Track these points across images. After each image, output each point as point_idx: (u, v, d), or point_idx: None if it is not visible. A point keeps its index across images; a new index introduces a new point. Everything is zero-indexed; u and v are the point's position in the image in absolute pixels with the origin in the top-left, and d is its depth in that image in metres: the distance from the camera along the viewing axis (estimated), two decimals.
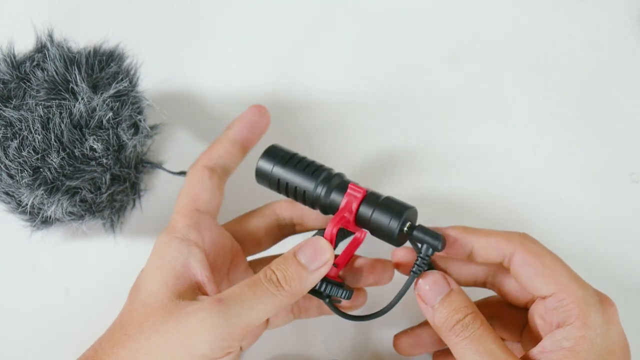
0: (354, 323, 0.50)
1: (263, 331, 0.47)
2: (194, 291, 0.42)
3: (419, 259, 0.42)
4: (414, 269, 0.42)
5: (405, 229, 0.42)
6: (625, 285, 0.52)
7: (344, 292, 0.43)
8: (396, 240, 0.42)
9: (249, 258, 0.48)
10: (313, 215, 0.47)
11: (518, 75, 0.59)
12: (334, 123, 0.57)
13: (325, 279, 0.43)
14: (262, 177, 0.46)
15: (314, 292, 0.43)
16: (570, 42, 0.60)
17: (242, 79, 0.58)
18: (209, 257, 0.44)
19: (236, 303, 0.39)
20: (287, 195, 0.46)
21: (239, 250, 0.47)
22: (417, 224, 0.43)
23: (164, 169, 0.53)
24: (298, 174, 0.45)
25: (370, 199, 0.43)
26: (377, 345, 0.50)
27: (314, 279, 0.41)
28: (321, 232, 0.44)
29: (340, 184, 0.44)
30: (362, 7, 0.61)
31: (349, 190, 0.43)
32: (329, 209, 0.44)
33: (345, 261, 0.45)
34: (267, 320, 0.47)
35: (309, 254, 0.41)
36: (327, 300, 0.44)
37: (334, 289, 0.43)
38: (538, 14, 0.61)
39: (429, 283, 0.41)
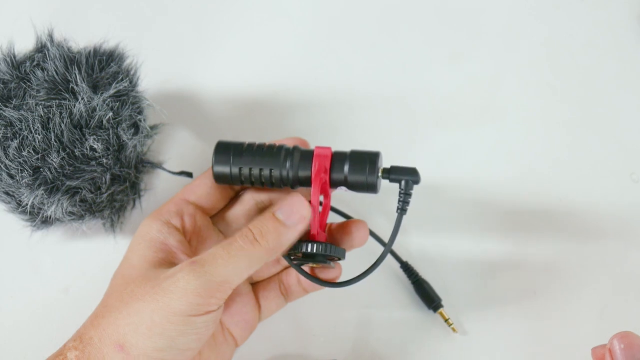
0: (353, 323, 0.51)
1: (257, 323, 0.48)
2: (172, 264, 0.43)
3: (402, 195, 0.44)
4: (400, 206, 0.44)
5: (381, 175, 0.44)
6: (625, 285, 0.52)
7: (338, 250, 0.44)
8: (377, 189, 0.45)
9: None
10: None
11: (518, 75, 0.59)
12: (334, 123, 0.57)
13: (316, 242, 0.44)
14: (222, 178, 0.46)
15: (306, 255, 0.44)
16: (570, 42, 0.60)
17: (242, 79, 0.58)
18: (191, 243, 0.45)
19: (209, 262, 0.40)
20: (253, 184, 0.46)
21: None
22: (388, 165, 0.45)
23: (164, 169, 0.53)
24: (259, 160, 0.45)
25: (338, 158, 0.45)
26: (377, 345, 0.50)
27: (291, 235, 0.42)
28: None
29: (304, 152, 0.45)
30: (362, 6, 0.61)
31: (316, 152, 0.44)
32: (301, 179, 0.45)
33: (324, 227, 0.46)
34: (260, 309, 0.47)
35: (286, 211, 0.42)
36: (299, 268, 0.45)
37: (329, 248, 0.43)
38: (538, 14, 0.61)
39: (624, 343, 0.39)
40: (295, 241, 0.43)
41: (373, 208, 0.53)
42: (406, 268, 0.51)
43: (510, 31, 0.61)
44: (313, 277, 0.45)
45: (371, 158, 0.44)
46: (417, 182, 0.44)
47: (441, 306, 0.50)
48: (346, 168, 0.44)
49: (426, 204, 0.52)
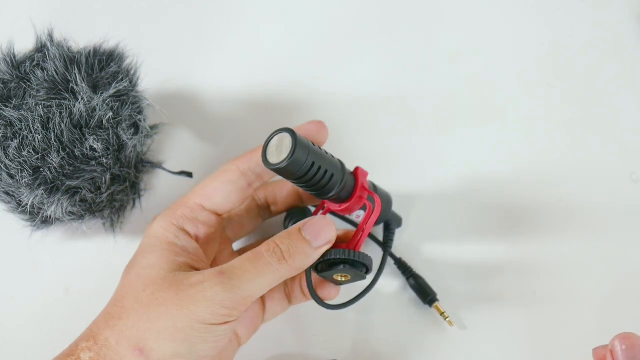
0: (354, 323, 0.51)
1: (261, 323, 0.48)
2: (191, 268, 0.43)
3: (389, 234, 0.50)
4: (388, 244, 0.50)
5: None
6: (626, 285, 0.52)
7: (366, 257, 0.44)
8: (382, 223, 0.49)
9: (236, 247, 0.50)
10: (284, 194, 0.49)
11: (518, 76, 0.59)
12: (334, 123, 0.57)
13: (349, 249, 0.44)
14: (293, 168, 0.40)
15: (339, 262, 0.44)
16: (570, 42, 0.60)
17: (242, 79, 0.58)
18: (202, 248, 0.45)
19: (237, 276, 0.40)
20: (306, 184, 0.41)
21: (227, 239, 0.49)
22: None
23: (164, 169, 0.53)
24: (327, 161, 0.42)
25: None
26: (377, 345, 0.50)
27: (316, 256, 0.42)
28: (296, 211, 0.49)
29: (347, 169, 0.45)
30: (362, 6, 0.61)
31: (360, 171, 0.45)
32: (343, 192, 0.43)
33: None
34: (264, 309, 0.48)
35: (314, 231, 0.42)
36: (309, 276, 0.45)
37: (362, 256, 0.43)
38: (538, 14, 0.61)
39: (626, 344, 0.39)
40: (315, 261, 0.43)
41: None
42: (400, 264, 0.51)
43: (510, 31, 0.61)
44: (313, 292, 0.45)
45: (389, 198, 0.49)
46: (400, 225, 0.51)
47: (437, 300, 0.50)
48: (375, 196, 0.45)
49: (425, 203, 0.52)
